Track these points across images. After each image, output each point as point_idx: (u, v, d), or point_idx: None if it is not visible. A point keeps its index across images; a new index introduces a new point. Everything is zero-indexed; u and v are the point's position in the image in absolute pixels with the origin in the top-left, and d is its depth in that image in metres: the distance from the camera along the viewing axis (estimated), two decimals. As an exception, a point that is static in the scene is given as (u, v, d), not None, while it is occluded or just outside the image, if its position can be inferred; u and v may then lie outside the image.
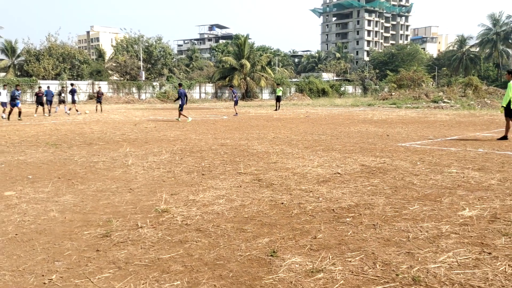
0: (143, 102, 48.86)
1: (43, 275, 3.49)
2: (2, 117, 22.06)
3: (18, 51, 55.67)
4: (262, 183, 6.77)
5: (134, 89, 51.30)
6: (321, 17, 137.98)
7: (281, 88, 35.74)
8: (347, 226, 4.66)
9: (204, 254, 3.92)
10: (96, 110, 29.02)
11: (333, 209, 5.30)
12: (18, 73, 53.23)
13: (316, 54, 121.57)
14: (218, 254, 3.92)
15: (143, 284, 3.33)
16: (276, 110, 31.69)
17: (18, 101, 21.80)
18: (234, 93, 27.49)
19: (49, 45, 53.33)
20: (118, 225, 4.75)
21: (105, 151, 10.38)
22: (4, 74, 52.12)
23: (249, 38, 61.35)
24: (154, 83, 53.90)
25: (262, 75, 57.53)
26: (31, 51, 52.55)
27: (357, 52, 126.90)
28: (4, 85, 25.18)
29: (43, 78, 47.47)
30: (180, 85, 22.48)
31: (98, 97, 29.61)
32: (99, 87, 34.20)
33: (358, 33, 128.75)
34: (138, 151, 10.28)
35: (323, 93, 63.07)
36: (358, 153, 9.90)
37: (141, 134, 14.49)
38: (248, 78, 57.07)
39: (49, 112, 26.04)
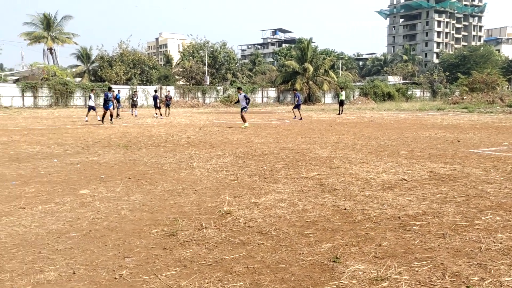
0: (207, 106, 50.06)
1: (114, 270, 3.67)
2: (85, 120, 23.10)
3: (93, 58, 58.94)
4: (325, 188, 6.71)
5: (199, 94, 52.71)
6: (388, 18, 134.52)
7: (344, 92, 35.16)
8: (414, 235, 4.51)
9: (266, 256, 3.95)
10: (165, 113, 29.87)
11: (399, 217, 5.15)
12: (92, 78, 56.38)
13: (382, 57, 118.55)
14: (280, 257, 3.93)
15: (207, 283, 3.41)
16: (339, 114, 31.24)
17: (111, 103, 22.77)
18: (297, 97, 27.20)
19: (121, 51, 56.03)
20: (184, 225, 4.90)
21: (172, 153, 10.74)
22: (80, 79, 55.37)
23: (312, 42, 61.06)
24: (218, 88, 55.07)
25: (325, 79, 57.02)
26: (104, 57, 55.49)
27: (425, 54, 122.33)
28: (92, 90, 25.85)
29: (115, 83, 49.91)
30: (239, 89, 22.38)
31: (167, 101, 30.49)
32: (168, 91, 35.37)
33: (427, 35, 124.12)
34: (203, 154, 10.54)
35: (388, 97, 61.36)
36: (426, 159, 9.54)
37: (206, 137, 14.85)
38: (310, 82, 56.79)
39: (118, 115, 26.79)
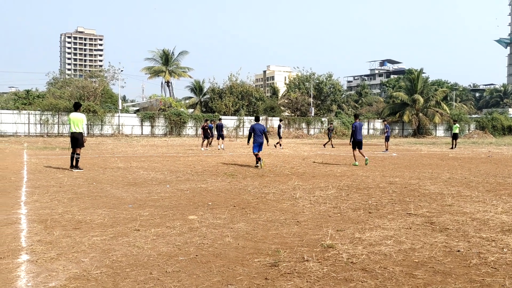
0: (311, 137, 50.16)
1: (217, 296, 3.77)
2: (220, 148, 25.63)
3: (205, 90, 62.67)
4: (435, 227, 6.29)
5: (303, 125, 53.13)
6: (508, 47, 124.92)
7: (458, 125, 33.01)
8: (540, 285, 4.02)
9: (370, 296, 3.78)
10: (217, 144, 27.84)
11: (521, 264, 4.63)
12: (204, 109, 59.75)
13: (502, 88, 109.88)
14: (385, 298, 3.74)
15: (307, 318, 3.35)
16: (452, 148, 29.32)
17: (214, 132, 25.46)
18: (387, 128, 26.49)
19: (231, 84, 58.87)
20: (286, 256, 4.90)
21: (275, 183, 10.88)
22: (192, 110, 58.99)
23: (423, 73, 58.65)
24: (323, 119, 55.04)
25: (437, 111, 54.14)
26: (215, 89, 58.68)
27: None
28: (212, 120, 28.21)
29: (224, 114, 52.36)
30: (356, 116, 17.30)
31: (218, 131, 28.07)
32: (219, 119, 33.42)
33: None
34: (306, 185, 10.53)
35: (509, 131, 56.37)
36: (555, 200, 8.52)
37: (309, 168, 14.83)
38: (420, 114, 54.31)
39: (209, 144, 27.05)
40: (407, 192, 9.53)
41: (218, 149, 25.51)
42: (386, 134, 26.29)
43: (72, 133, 13.37)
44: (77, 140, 13.31)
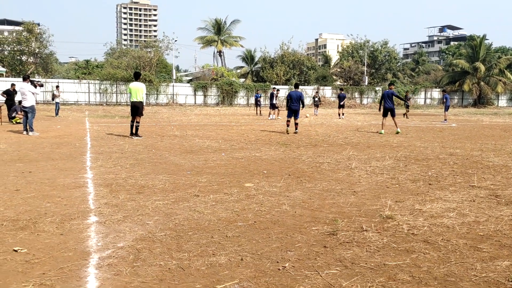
0: (364, 107, 49.03)
1: (277, 262, 3.84)
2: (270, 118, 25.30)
3: (256, 59, 62.36)
4: (501, 200, 6.04)
5: (356, 94, 51.92)
6: None
7: None
8: None
9: (433, 267, 3.71)
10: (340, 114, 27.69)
11: None
12: (255, 79, 59.64)
13: None
14: (449, 270, 3.66)
15: (369, 286, 3.35)
16: None
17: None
18: (445, 98, 25.39)
19: (282, 53, 58.19)
20: (344, 225, 4.88)
21: (329, 153, 10.78)
22: (244, 79, 59.06)
23: (486, 39, 55.22)
24: (377, 88, 53.50)
25: (500, 80, 51.16)
26: (266, 58, 58.24)
27: None
28: (274, 88, 27.71)
29: (275, 83, 52.05)
30: (391, 84, 17.21)
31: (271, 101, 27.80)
32: (341, 90, 33.10)
33: None
34: (361, 155, 10.36)
35: None
36: None
37: (363, 138, 14.56)
38: (482, 83, 51.55)
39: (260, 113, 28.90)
40: (469, 164, 9.17)
41: (269, 119, 25.21)
42: (445, 104, 25.46)
43: (132, 102, 13.68)
44: (137, 109, 13.65)
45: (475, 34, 56.21)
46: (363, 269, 3.67)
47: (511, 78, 52.56)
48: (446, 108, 25.57)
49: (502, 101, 54.93)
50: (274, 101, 25.82)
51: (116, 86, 43.47)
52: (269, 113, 26.18)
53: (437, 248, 4.18)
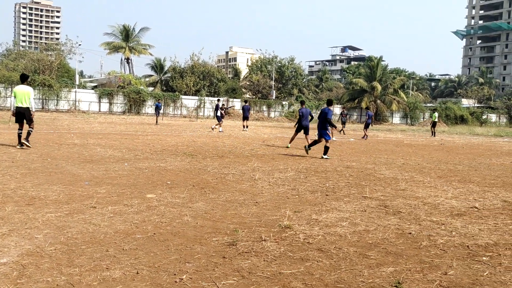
0: (272, 120, 50.42)
1: (175, 274, 3.77)
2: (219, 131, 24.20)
3: (166, 68, 61.46)
4: (389, 210, 6.51)
5: (264, 107, 53.29)
6: (464, 39, 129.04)
7: (436, 113, 33.22)
8: (483, 266, 4.25)
9: (325, 274, 3.89)
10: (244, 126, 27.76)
11: (467, 246, 4.88)
12: (164, 88, 58.70)
13: (456, 79, 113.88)
14: (339, 276, 3.85)
15: (264, 295, 3.41)
16: (432, 136, 30.71)
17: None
18: (368, 116, 26.56)
19: (192, 63, 58.01)
20: (244, 235, 4.94)
21: (235, 164, 10.90)
22: (152, 88, 57.83)
23: (383, 60, 59.86)
24: (284, 102, 55.38)
25: (394, 99, 55.59)
26: (176, 68, 57.70)
27: (503, 77, 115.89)
28: (218, 100, 27.34)
29: (185, 94, 51.66)
30: (302, 103, 17.38)
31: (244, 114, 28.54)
32: (246, 102, 33.10)
33: (505, 58, 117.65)
34: (265, 167, 10.61)
35: (461, 120, 58.63)
36: (500, 187, 8.99)
37: (269, 150, 14.94)
38: (378, 101, 55.62)
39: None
40: (363, 176, 9.79)
41: (220, 131, 24.11)
42: (366, 121, 25.95)
43: (18, 107, 11.97)
44: (23, 116, 12.06)
45: (373, 55, 60.72)
46: (260, 279, 3.74)
47: (404, 97, 57.31)
48: (366, 126, 25.67)
49: (396, 118, 59.60)
50: (219, 113, 25.15)
51: (11, 90, 40.24)
52: (218, 125, 24.89)
53: (329, 256, 4.39)
